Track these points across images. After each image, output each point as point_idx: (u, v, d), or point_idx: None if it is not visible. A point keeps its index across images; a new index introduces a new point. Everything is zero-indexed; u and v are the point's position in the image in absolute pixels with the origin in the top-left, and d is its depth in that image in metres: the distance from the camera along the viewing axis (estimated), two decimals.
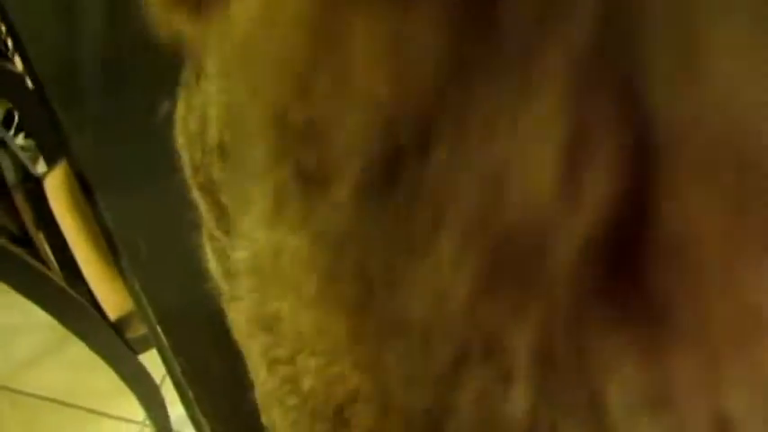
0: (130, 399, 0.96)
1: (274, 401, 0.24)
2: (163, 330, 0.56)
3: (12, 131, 1.28)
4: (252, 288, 0.23)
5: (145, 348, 0.89)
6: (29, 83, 0.85)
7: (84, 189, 0.65)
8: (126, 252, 0.59)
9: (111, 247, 0.60)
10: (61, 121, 0.72)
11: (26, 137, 1.30)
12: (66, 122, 0.72)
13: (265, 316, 0.22)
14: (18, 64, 0.98)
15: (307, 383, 0.22)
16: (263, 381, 0.24)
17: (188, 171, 0.36)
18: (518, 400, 0.18)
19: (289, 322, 0.22)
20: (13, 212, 0.81)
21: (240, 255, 0.24)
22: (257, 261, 0.23)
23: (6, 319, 1.26)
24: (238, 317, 0.26)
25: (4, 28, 0.97)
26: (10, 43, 1.01)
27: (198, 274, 0.38)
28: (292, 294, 0.21)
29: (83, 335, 0.83)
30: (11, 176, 0.82)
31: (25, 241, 0.82)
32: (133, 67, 0.74)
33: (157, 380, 0.97)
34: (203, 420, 0.57)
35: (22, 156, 0.90)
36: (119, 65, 0.77)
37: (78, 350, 0.89)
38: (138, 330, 0.87)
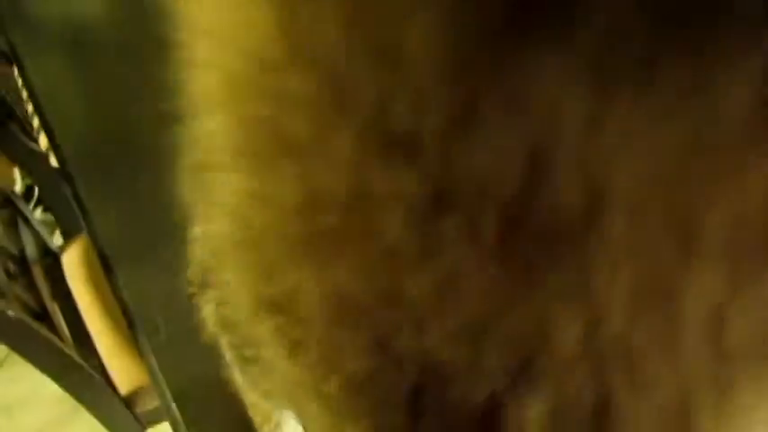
0: None
1: (304, 394, 0.18)
2: (178, 407, 0.57)
3: (31, 206, 1.32)
4: (247, 265, 0.17)
5: (152, 423, 0.90)
6: (52, 161, 0.88)
7: (104, 265, 0.67)
8: (144, 328, 0.60)
9: (129, 323, 0.62)
10: (83, 198, 0.74)
11: (44, 211, 1.33)
12: (87, 199, 0.74)
13: (273, 294, 0.17)
14: (42, 142, 1.02)
15: (356, 363, 0.16)
16: (284, 371, 0.18)
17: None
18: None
19: (309, 293, 0.16)
20: (33, 286, 0.83)
21: (221, 228, 0.18)
22: (248, 229, 0.17)
23: (15, 390, 1.27)
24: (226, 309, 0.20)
25: (31, 108, 1.01)
26: (35, 123, 1.05)
27: (214, 352, 0.39)
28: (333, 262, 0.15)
29: (93, 408, 0.84)
30: (32, 251, 0.84)
31: (41, 314, 0.84)
32: (156, 148, 0.77)
33: None
34: None
35: (43, 231, 0.92)
36: (142, 144, 0.79)
37: (86, 422, 0.89)
38: (146, 405, 0.88)
